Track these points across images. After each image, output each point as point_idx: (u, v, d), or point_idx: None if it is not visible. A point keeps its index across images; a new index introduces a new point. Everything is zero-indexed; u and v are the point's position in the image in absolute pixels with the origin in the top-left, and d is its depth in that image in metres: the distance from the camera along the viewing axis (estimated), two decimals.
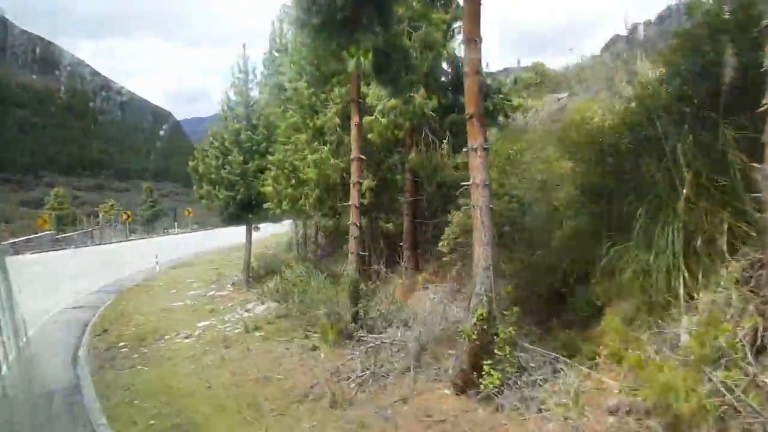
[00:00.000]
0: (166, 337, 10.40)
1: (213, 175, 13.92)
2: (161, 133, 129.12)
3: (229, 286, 15.33)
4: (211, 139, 14.36)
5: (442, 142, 9.75)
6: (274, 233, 36.33)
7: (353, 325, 7.91)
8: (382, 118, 9.38)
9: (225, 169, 13.60)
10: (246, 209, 14.19)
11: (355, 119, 8.17)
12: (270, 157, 12.01)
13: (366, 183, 11.42)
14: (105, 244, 34.91)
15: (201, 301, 13.80)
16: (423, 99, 9.15)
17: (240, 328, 10.45)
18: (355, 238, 8.19)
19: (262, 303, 12.38)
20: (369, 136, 10.09)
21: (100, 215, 39.65)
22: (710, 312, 4.63)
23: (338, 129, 11.04)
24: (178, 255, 25.40)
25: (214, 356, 8.77)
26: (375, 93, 9.70)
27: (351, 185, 8.31)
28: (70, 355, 9.77)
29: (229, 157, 13.54)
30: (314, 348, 8.28)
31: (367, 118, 9.67)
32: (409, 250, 10.89)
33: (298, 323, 10.25)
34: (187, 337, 10.26)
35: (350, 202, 8.31)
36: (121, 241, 36.42)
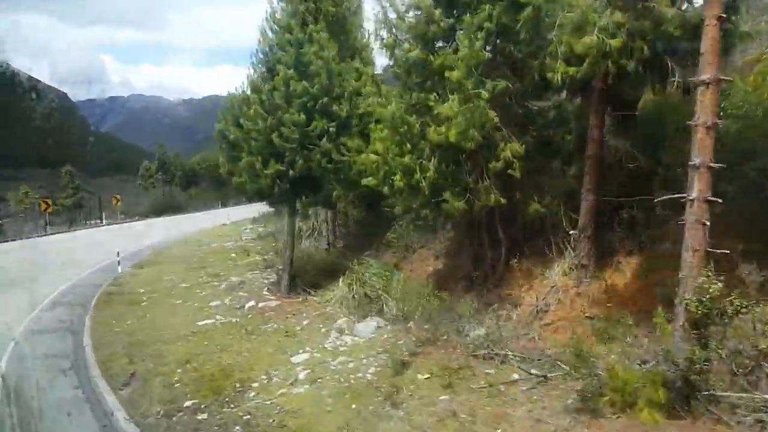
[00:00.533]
0: (254, 384, 6.62)
1: (255, 142, 9.91)
2: (55, 115, 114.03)
3: (265, 292, 11.37)
4: (249, 93, 10.26)
5: (667, 76, 6.79)
6: (216, 224, 30.96)
7: (703, 377, 4.53)
8: (611, 38, 6.19)
9: (276, 132, 9.65)
10: (300, 188, 10.34)
11: (715, 7, 4.85)
12: (379, 110, 8.33)
13: (512, 147, 8.24)
14: (22, 239, 28.11)
15: (242, 316, 9.81)
16: (672, 9, 6.11)
17: (371, 364, 6.92)
18: (704, 224, 4.89)
19: (354, 319, 8.80)
20: (558, 72, 6.92)
21: (12, 204, 32.11)
22: None
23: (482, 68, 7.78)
24: (131, 250, 20.30)
25: (392, 425, 5.25)
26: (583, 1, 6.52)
27: (699, 130, 4.91)
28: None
29: (285, 116, 9.60)
30: (596, 412, 4.96)
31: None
32: (589, 241, 7.83)
33: (463, 352, 6.96)
34: (292, 383, 6.57)
35: (694, 161, 4.92)
36: (40, 236, 29.63)
